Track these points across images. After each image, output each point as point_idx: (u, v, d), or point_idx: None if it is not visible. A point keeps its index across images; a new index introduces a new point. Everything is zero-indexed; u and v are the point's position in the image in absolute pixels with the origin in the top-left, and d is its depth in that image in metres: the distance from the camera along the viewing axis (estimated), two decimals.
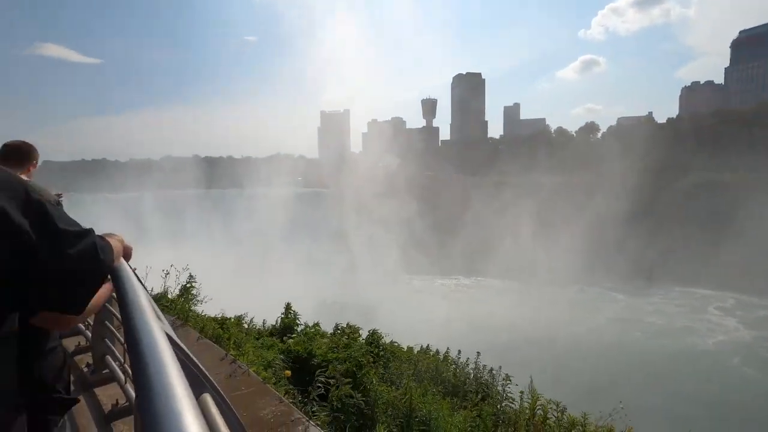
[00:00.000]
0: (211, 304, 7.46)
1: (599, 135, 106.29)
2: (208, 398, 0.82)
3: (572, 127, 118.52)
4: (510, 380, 6.75)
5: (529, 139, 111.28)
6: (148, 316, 0.83)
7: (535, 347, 36.09)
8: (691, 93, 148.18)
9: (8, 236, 0.77)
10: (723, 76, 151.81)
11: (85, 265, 0.93)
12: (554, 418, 6.05)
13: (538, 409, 6.27)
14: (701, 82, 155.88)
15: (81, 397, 3.50)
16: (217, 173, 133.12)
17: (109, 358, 3.70)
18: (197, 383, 0.84)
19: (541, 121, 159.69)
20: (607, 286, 60.07)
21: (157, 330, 0.74)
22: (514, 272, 64.10)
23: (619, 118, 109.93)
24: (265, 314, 8.51)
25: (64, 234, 0.89)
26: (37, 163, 2.69)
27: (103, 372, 3.69)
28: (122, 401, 3.15)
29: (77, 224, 0.96)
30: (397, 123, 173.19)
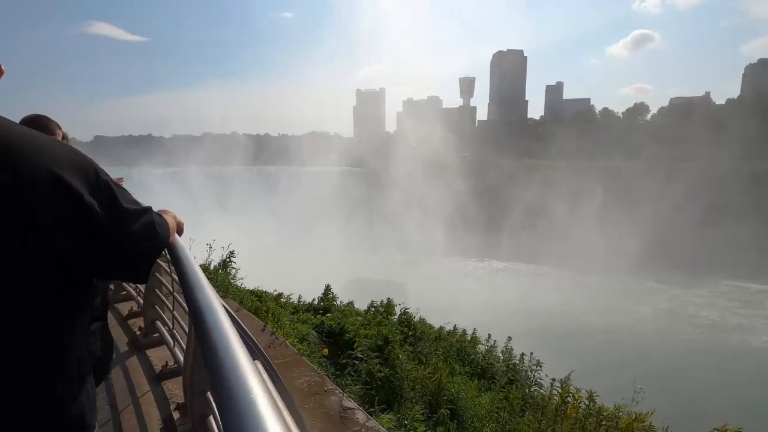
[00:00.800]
0: (250, 278, 7.81)
1: (648, 117, 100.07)
2: (259, 365, 0.90)
3: (619, 108, 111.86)
4: (540, 366, 6.72)
5: (572, 120, 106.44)
6: (205, 286, 0.90)
7: (575, 336, 35.13)
8: (757, 71, 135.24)
9: (80, 215, 0.85)
10: None
11: (145, 240, 1.02)
12: (584, 407, 6.00)
13: (568, 396, 6.23)
14: None
15: (135, 357, 3.82)
16: (255, 151, 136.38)
17: (158, 323, 3.99)
18: (251, 351, 0.93)
19: (586, 101, 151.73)
20: (661, 276, 56.48)
21: (215, 299, 0.81)
22: (565, 259, 61.41)
23: (671, 99, 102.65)
24: (302, 289, 8.81)
25: (127, 213, 0.97)
26: (57, 137, 2.61)
27: (153, 335, 3.99)
28: (171, 363, 3.40)
29: (138, 203, 1.05)
30: (434, 102, 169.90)
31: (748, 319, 43.52)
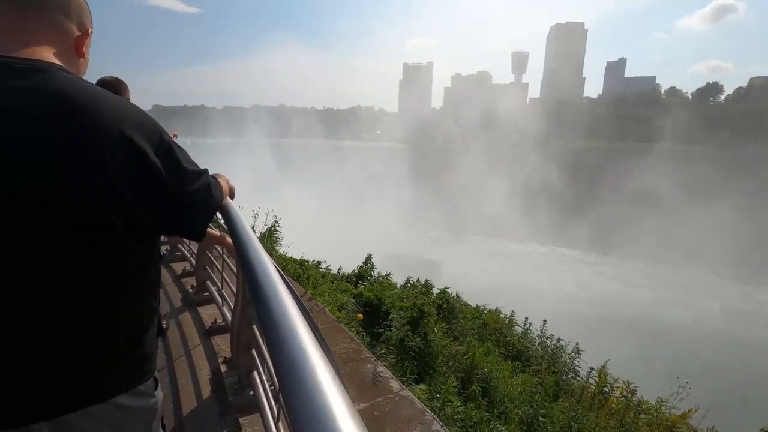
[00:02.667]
0: (293, 247, 8.10)
1: (722, 98, 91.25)
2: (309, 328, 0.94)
3: (688, 88, 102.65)
4: (579, 353, 6.57)
5: (635, 100, 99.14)
6: (258, 247, 0.94)
7: (625, 329, 33.53)
8: None
9: (145, 172, 0.91)
10: None
11: (203, 199, 1.08)
12: (623, 398, 5.83)
13: (606, 386, 6.07)
14: None
15: (188, 312, 4.12)
16: (301, 123, 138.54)
17: (208, 283, 4.25)
18: (303, 312, 0.97)
19: (651, 79, 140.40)
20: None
21: (267, 260, 0.84)
22: (640, 250, 57.86)
23: (751, 78, 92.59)
24: (343, 259, 9.04)
25: (186, 172, 1.03)
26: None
27: (204, 294, 4.26)
28: (219, 320, 3.64)
29: (196, 164, 1.11)
30: (483, 77, 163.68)
31: None
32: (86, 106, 0.84)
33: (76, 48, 1.01)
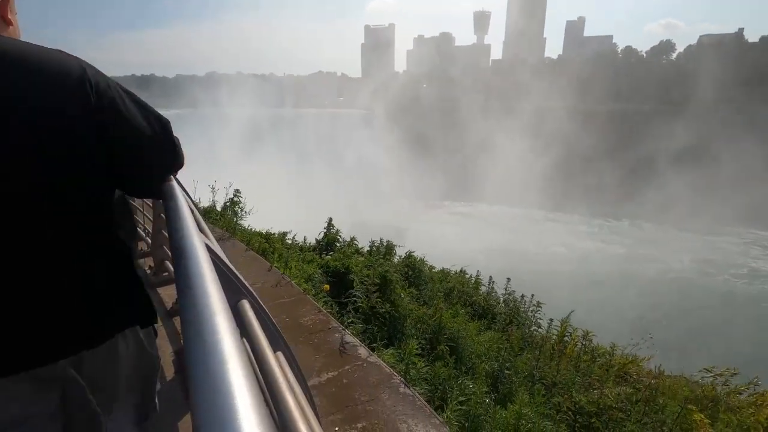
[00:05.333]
0: (257, 217, 7.89)
1: (673, 56, 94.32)
2: (245, 304, 0.90)
3: (643, 47, 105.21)
4: (540, 307, 6.91)
5: (592, 60, 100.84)
6: (189, 227, 0.88)
7: (589, 284, 35.28)
8: None
9: (103, 106, 0.93)
10: None
11: (164, 146, 1.11)
12: (581, 346, 6.25)
13: (566, 336, 6.47)
14: None
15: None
16: (260, 91, 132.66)
17: (167, 262, 4.10)
18: (235, 290, 0.93)
19: (608, 38, 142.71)
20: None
21: (197, 241, 0.78)
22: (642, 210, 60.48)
23: (701, 36, 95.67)
24: (308, 230, 8.94)
25: (149, 111, 1.05)
26: None
27: (164, 275, 4.12)
28: None
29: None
30: (446, 39, 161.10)
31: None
32: (23, 53, 0.86)
33: (1, 16, 1.01)
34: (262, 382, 0.73)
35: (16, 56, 0.84)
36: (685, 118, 69.92)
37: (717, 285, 38.63)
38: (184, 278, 0.65)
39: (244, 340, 0.83)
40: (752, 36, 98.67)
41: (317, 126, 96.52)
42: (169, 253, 3.92)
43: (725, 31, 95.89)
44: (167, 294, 3.81)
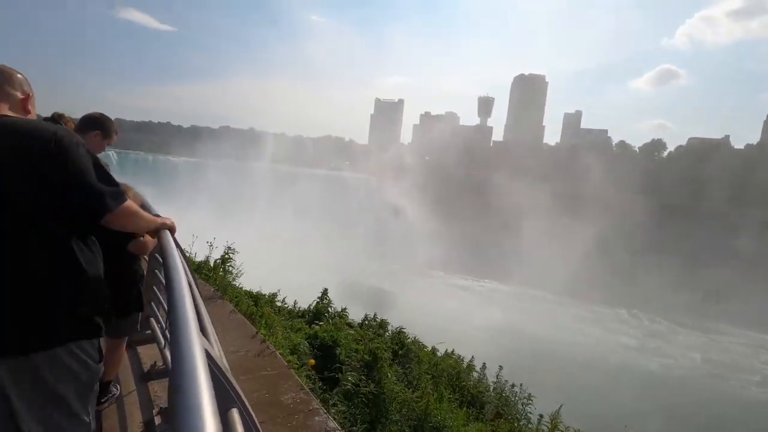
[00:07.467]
0: (249, 275, 7.78)
1: (665, 154, 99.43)
2: (235, 414, 0.88)
3: (636, 143, 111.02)
4: (531, 400, 6.61)
5: (591, 150, 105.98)
6: (191, 327, 0.89)
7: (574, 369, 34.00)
8: None
9: (39, 164, 1.34)
10: None
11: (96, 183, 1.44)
12: None
13: None
14: None
15: (126, 351, 3.81)
16: (271, 148, 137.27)
17: (152, 320, 3.98)
18: (227, 398, 0.90)
19: (603, 132, 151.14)
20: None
21: (197, 349, 0.79)
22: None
23: (689, 139, 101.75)
24: (301, 292, 8.76)
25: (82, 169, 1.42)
26: (110, 136, 2.82)
27: (146, 332, 3.97)
28: (160, 364, 3.38)
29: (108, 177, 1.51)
30: (451, 118, 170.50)
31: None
32: (15, 122, 1.39)
33: (22, 106, 1.57)
34: None
35: (11, 124, 1.36)
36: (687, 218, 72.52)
37: (732, 389, 37.02)
38: (178, 375, 0.65)
39: None
40: (737, 143, 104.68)
41: (323, 186, 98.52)
42: (157, 312, 3.83)
43: (712, 136, 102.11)
44: (147, 354, 3.66)
